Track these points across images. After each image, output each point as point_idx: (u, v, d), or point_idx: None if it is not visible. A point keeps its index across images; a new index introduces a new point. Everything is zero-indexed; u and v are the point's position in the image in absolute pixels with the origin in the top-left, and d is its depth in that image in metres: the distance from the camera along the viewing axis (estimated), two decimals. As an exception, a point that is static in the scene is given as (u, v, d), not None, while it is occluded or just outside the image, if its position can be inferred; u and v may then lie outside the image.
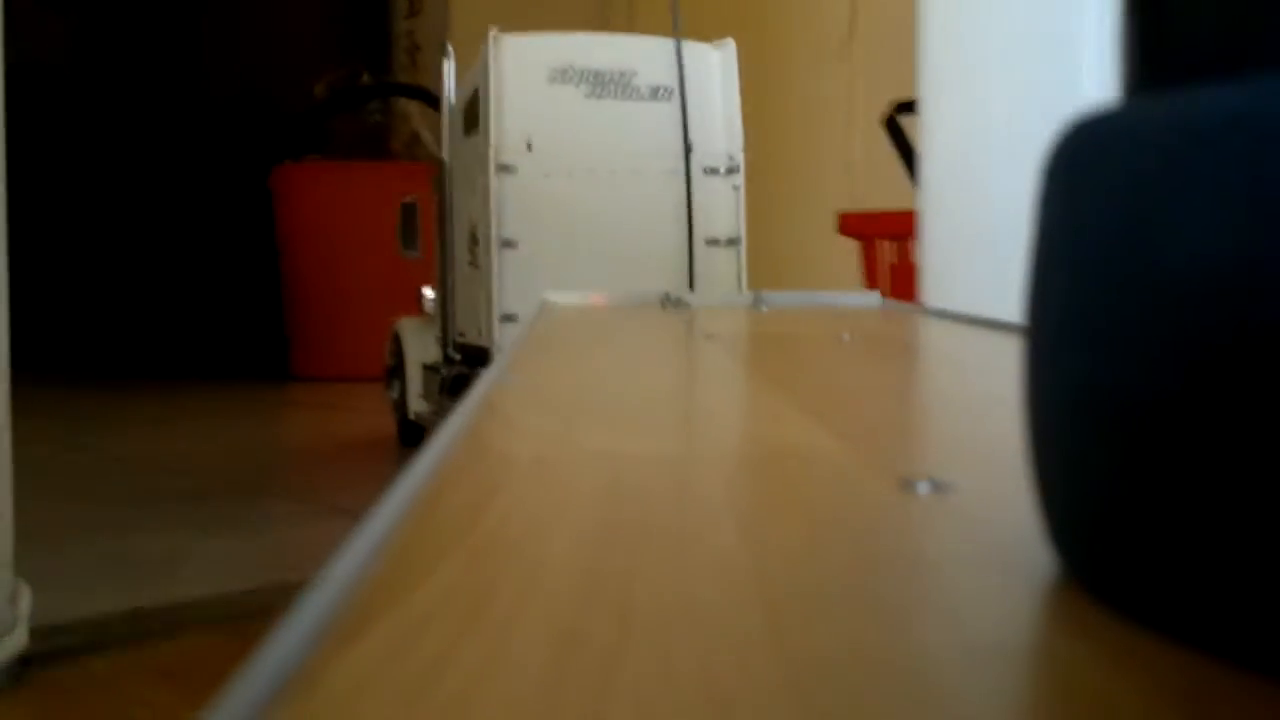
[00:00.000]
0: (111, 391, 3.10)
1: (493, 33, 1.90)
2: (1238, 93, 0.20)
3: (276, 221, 2.82)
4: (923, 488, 0.33)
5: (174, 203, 2.96)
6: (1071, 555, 0.23)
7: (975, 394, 0.55)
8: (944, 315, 1.16)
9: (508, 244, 1.86)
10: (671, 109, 1.91)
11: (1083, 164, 0.23)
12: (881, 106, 2.40)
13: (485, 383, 0.57)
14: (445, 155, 2.03)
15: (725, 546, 0.27)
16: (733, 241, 1.91)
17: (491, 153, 1.86)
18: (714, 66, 1.96)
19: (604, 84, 1.91)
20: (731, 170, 1.92)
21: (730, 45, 1.96)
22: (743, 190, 1.93)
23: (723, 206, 1.92)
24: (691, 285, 1.87)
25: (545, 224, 1.88)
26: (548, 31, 1.94)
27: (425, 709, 0.17)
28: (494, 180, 1.86)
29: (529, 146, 1.89)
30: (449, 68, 2.01)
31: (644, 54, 1.93)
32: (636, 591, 0.23)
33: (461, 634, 0.21)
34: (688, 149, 1.90)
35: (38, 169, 3.65)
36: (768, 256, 3.01)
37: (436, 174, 2.05)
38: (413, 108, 2.68)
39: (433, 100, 2.32)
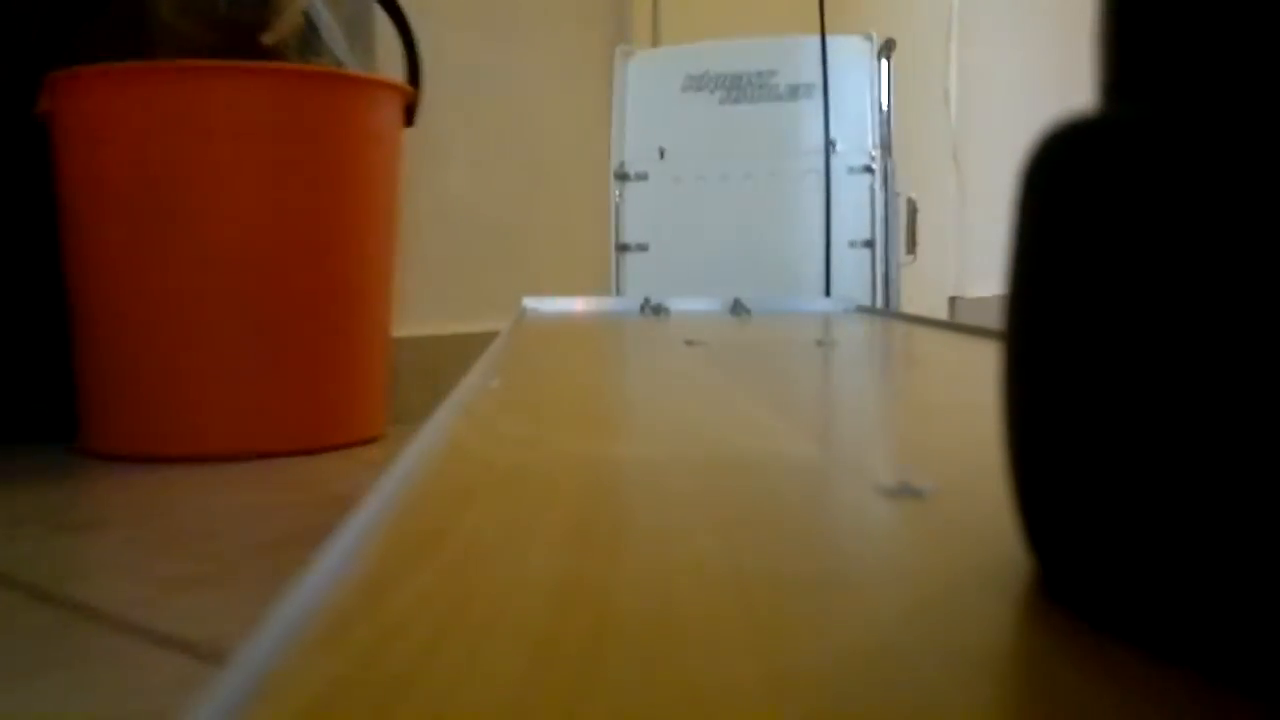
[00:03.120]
0: None
1: (620, 48, 1.95)
2: (1208, 107, 0.20)
3: (55, 174, 1.42)
4: (900, 493, 0.33)
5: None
6: (1048, 561, 0.23)
7: (952, 400, 0.56)
8: (918, 320, 1.17)
9: (639, 247, 1.90)
10: (813, 107, 1.89)
11: (1058, 170, 0.23)
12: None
13: (463, 388, 0.56)
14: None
15: (703, 551, 0.27)
16: (869, 243, 1.90)
17: (612, 163, 1.94)
18: (863, 59, 1.89)
19: (741, 87, 1.91)
20: (870, 169, 1.90)
21: (875, 36, 1.92)
22: (879, 190, 1.90)
23: (865, 207, 1.89)
24: (828, 289, 1.84)
25: (677, 228, 1.91)
26: (683, 44, 1.98)
27: (399, 717, 0.17)
28: (614, 187, 1.93)
29: (661, 154, 1.91)
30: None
31: (785, 53, 1.92)
32: (614, 597, 0.23)
33: (436, 641, 0.20)
34: (829, 147, 1.89)
35: None
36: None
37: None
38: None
39: None
